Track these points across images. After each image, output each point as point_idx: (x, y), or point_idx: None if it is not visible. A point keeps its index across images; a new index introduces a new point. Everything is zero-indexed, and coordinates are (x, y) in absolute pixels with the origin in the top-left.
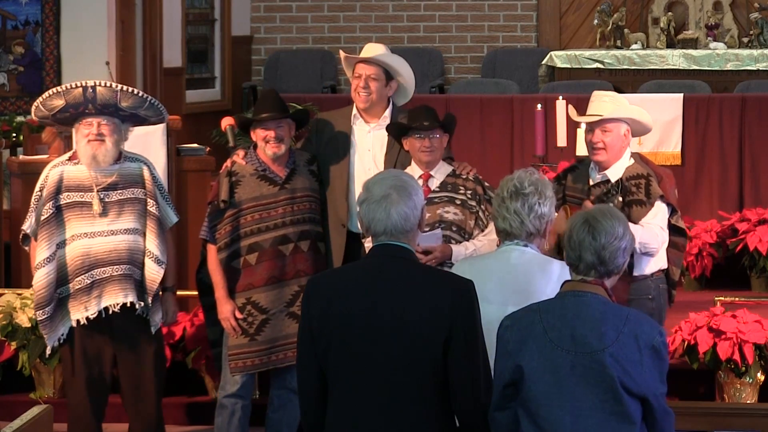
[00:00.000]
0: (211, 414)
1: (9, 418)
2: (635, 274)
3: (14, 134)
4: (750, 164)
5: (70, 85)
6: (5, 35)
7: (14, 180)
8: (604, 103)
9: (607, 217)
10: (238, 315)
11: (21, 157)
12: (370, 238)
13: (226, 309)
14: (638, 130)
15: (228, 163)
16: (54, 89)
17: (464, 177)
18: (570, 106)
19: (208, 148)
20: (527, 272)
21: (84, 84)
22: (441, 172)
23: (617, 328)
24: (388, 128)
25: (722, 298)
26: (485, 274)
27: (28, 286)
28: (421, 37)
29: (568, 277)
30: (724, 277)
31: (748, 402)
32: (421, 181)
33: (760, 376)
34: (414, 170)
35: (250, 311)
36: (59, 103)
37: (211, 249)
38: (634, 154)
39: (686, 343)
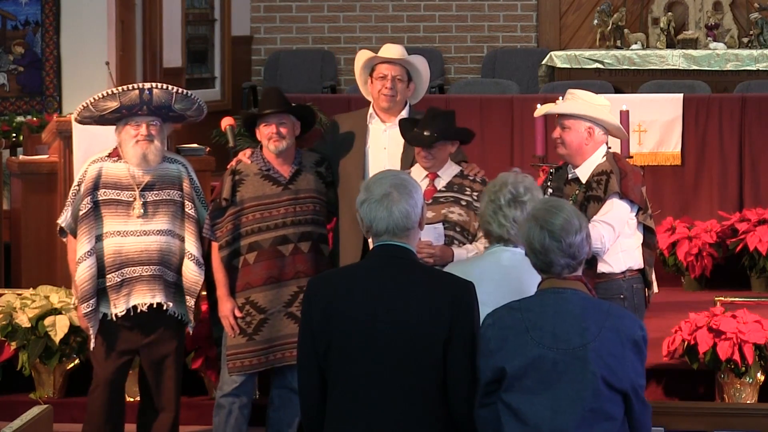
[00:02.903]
0: (212, 414)
1: (9, 418)
2: (604, 271)
3: (14, 134)
4: (750, 164)
5: (126, 87)
6: (5, 35)
7: (14, 180)
8: (567, 100)
9: (557, 215)
10: (238, 314)
11: (21, 157)
12: None
13: (226, 307)
14: (612, 131)
15: (233, 161)
16: (107, 91)
17: (471, 179)
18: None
19: (207, 148)
20: (520, 273)
21: (141, 86)
22: (448, 172)
23: (599, 324)
24: (401, 124)
25: (722, 298)
26: (479, 276)
27: (28, 286)
28: (421, 37)
29: None
30: (724, 277)
31: (748, 402)
32: (427, 181)
33: (760, 377)
34: (420, 169)
35: (249, 311)
36: (113, 104)
37: (214, 247)
38: (608, 153)
39: (686, 343)
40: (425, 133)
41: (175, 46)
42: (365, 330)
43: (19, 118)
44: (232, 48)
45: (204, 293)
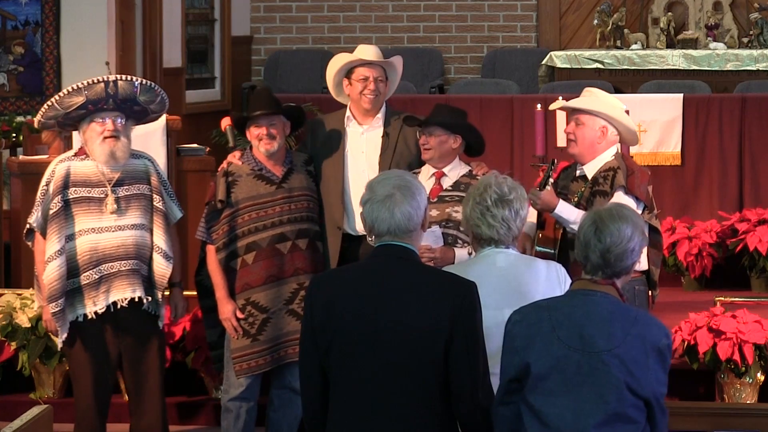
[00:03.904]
0: (211, 414)
1: (9, 418)
2: None
3: (14, 134)
4: (750, 164)
5: (91, 81)
6: (5, 35)
7: (14, 180)
8: (584, 97)
9: (615, 219)
10: (239, 315)
11: (21, 157)
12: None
13: (227, 309)
14: (624, 134)
15: (224, 163)
16: (72, 86)
17: (480, 178)
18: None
19: (208, 149)
20: (517, 274)
21: (106, 79)
22: (456, 171)
23: (625, 329)
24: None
25: (722, 298)
26: (476, 280)
27: (28, 286)
28: (421, 37)
29: (555, 275)
30: (724, 277)
31: (748, 402)
32: (434, 179)
33: (760, 376)
34: (428, 168)
35: (251, 311)
36: (79, 99)
37: (210, 249)
38: (617, 153)
39: (686, 343)
40: (426, 119)
41: (175, 46)
42: (367, 329)
43: (19, 118)
44: (232, 48)
45: (195, 293)
